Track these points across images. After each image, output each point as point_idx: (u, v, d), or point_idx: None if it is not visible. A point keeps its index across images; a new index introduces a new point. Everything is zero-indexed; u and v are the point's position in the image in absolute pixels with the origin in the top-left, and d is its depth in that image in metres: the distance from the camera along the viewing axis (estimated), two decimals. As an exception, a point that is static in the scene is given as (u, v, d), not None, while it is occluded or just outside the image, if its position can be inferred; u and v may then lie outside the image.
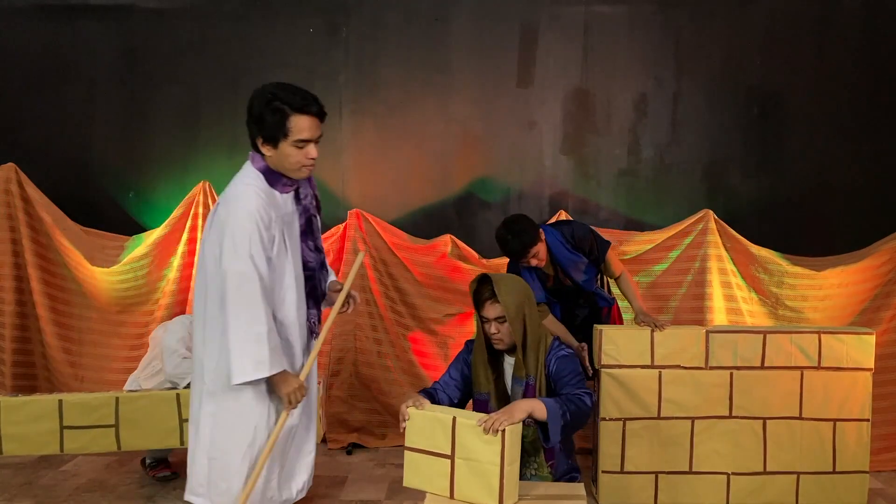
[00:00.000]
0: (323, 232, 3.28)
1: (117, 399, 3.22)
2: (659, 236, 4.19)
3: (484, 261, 4.25)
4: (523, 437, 2.48)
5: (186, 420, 3.16)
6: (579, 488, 2.51)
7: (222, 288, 2.46)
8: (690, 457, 3.37)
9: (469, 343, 2.86)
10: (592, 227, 3.68)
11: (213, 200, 4.26)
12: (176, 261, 4.24)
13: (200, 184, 4.29)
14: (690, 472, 3.37)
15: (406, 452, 2.46)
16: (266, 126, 2.49)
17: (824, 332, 3.38)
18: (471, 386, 2.79)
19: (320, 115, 2.54)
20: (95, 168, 4.48)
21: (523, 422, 2.41)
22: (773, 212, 4.39)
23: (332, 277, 2.92)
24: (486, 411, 2.65)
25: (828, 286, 4.05)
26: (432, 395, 2.73)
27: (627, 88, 4.43)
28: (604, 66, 4.43)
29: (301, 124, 2.49)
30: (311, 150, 2.53)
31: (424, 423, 2.41)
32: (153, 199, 4.48)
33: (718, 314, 4.10)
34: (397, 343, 4.23)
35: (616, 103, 4.44)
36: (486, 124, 4.46)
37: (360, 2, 4.42)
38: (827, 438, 3.36)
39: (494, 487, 2.29)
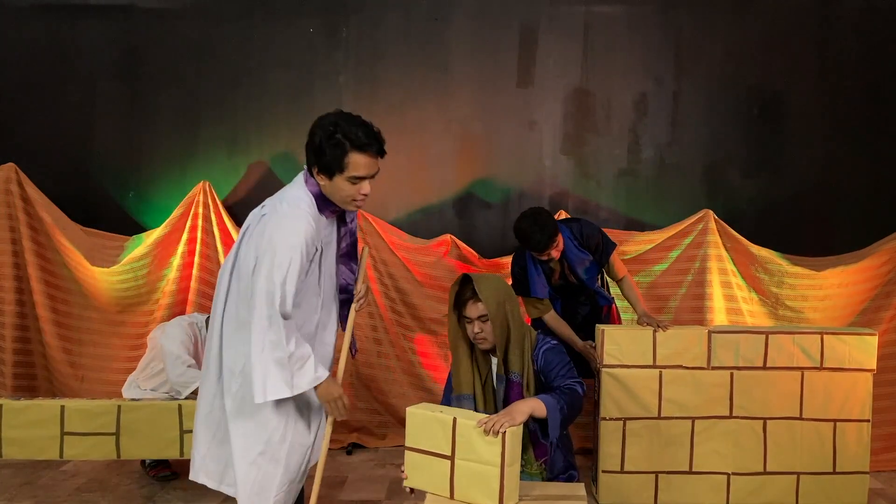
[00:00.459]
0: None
1: (119, 407, 3.22)
2: (659, 236, 4.19)
3: (484, 261, 4.25)
4: None
5: (188, 431, 3.17)
6: (579, 488, 2.51)
7: (251, 302, 2.46)
8: (690, 457, 3.37)
9: (450, 376, 2.85)
10: (601, 228, 3.71)
11: (214, 200, 4.26)
12: (176, 261, 4.24)
13: (200, 184, 4.29)
14: (690, 472, 3.37)
15: (406, 452, 2.45)
16: (324, 158, 2.46)
17: (827, 333, 3.38)
18: None
19: (380, 153, 2.52)
20: (95, 168, 4.48)
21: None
22: (773, 212, 4.39)
23: None
24: (472, 409, 2.64)
25: (828, 286, 4.06)
26: None
27: (627, 88, 4.43)
28: (604, 66, 4.42)
29: (359, 161, 2.46)
30: (365, 186, 2.52)
31: (425, 423, 2.40)
32: (153, 199, 4.47)
33: (718, 314, 4.10)
34: (397, 343, 4.23)
35: (616, 103, 4.44)
36: (486, 124, 4.46)
37: (360, 2, 4.42)
38: (827, 439, 3.37)
39: (494, 489, 2.29)
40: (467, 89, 4.44)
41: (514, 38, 4.41)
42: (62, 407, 3.20)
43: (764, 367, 3.35)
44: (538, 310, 3.60)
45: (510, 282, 3.59)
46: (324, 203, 2.55)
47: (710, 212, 4.18)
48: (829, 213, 4.40)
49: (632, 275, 3.85)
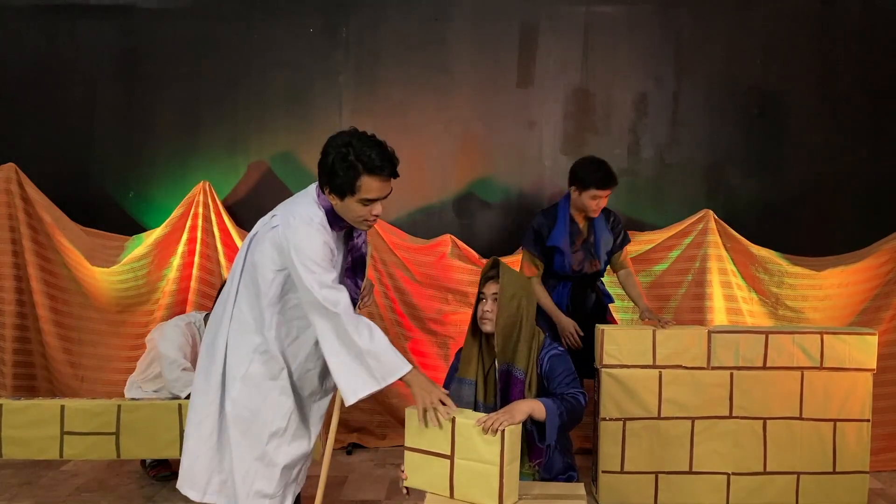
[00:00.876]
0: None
1: (119, 407, 3.22)
2: (659, 236, 4.19)
3: (484, 260, 4.25)
4: None
5: None
6: (579, 488, 2.51)
7: (312, 319, 2.46)
8: (690, 457, 3.37)
9: (460, 351, 2.85)
10: None
11: (214, 200, 4.26)
12: (176, 261, 4.24)
13: (200, 184, 4.29)
14: (690, 472, 3.37)
15: (406, 452, 2.45)
16: (336, 179, 2.43)
17: (827, 333, 3.38)
18: None
19: (393, 175, 2.49)
20: (95, 168, 4.48)
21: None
22: (773, 212, 4.39)
23: None
24: (472, 397, 2.65)
25: (828, 286, 4.06)
26: None
27: (627, 88, 4.43)
28: (604, 66, 4.42)
29: (371, 185, 2.43)
30: (377, 207, 2.50)
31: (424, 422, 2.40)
32: (153, 199, 4.47)
33: (718, 314, 4.10)
34: (397, 343, 4.20)
35: (616, 103, 4.44)
36: (486, 124, 4.46)
37: (360, 2, 4.42)
38: (827, 439, 3.36)
39: (494, 487, 2.29)
40: (467, 89, 4.44)
41: (514, 38, 4.41)
42: (62, 407, 3.20)
43: (764, 367, 3.35)
44: (533, 269, 3.65)
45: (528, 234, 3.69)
46: (335, 219, 2.54)
47: (710, 212, 4.18)
48: (829, 213, 4.40)
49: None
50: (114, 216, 4.44)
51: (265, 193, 4.42)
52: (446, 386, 2.80)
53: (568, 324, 3.56)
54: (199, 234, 4.25)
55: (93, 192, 4.46)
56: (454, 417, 2.36)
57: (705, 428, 3.36)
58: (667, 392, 3.35)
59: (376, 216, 2.52)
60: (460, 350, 2.82)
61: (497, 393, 2.67)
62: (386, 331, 4.17)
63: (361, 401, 4.01)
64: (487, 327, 2.69)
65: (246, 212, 4.38)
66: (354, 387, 2.43)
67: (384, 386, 2.43)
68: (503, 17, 4.41)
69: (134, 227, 4.41)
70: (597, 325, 3.45)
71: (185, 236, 4.25)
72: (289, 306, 2.54)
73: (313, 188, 2.58)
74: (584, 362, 3.49)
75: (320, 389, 2.73)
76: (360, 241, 2.70)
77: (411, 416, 2.43)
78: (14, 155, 4.27)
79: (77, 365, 4.22)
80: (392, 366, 2.44)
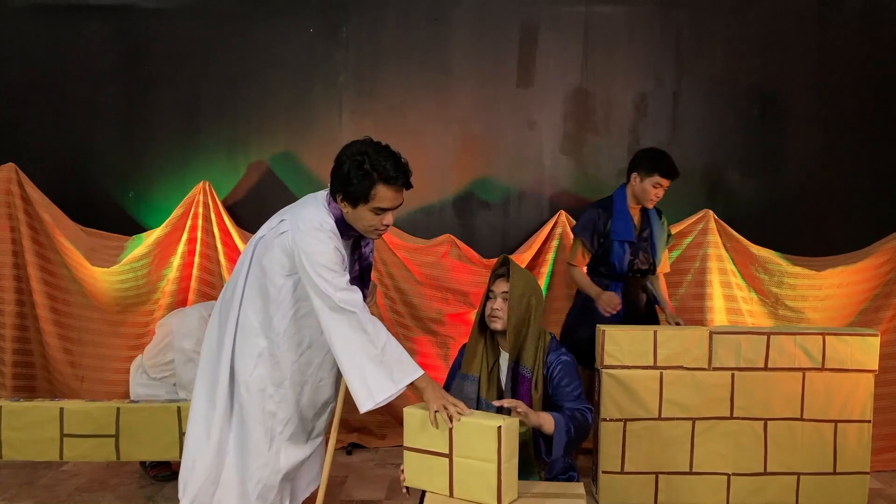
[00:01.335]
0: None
1: (118, 409, 3.22)
2: (659, 236, 4.19)
3: (484, 260, 4.25)
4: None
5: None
6: (579, 487, 2.51)
7: (325, 326, 2.45)
8: (691, 457, 3.37)
9: (464, 347, 2.85)
10: None
11: (214, 200, 4.26)
12: (176, 261, 4.24)
13: (200, 184, 4.29)
14: (691, 473, 3.37)
15: (405, 452, 2.45)
16: (351, 187, 2.44)
17: (828, 334, 3.37)
18: None
19: (406, 185, 2.51)
20: (95, 168, 4.47)
21: (522, 422, 2.42)
22: (773, 212, 4.39)
23: None
24: (475, 393, 2.65)
25: (828, 286, 4.06)
26: None
27: (627, 88, 4.43)
28: (604, 66, 4.42)
29: (385, 194, 2.45)
30: (388, 217, 2.52)
31: (423, 422, 2.40)
32: (153, 199, 4.47)
33: (718, 314, 4.11)
34: (398, 343, 4.22)
35: (616, 103, 4.44)
36: (486, 124, 4.46)
37: (360, 2, 4.41)
38: (828, 439, 3.36)
39: (493, 485, 2.29)
40: (467, 89, 4.44)
41: (514, 38, 4.41)
42: (61, 409, 3.20)
43: (765, 368, 3.35)
44: (583, 259, 3.72)
45: (583, 222, 3.75)
46: (344, 227, 2.55)
47: (710, 212, 4.18)
48: (829, 213, 4.40)
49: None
50: (114, 216, 4.44)
51: (265, 193, 4.43)
52: (448, 382, 2.80)
53: (611, 295, 3.56)
54: (199, 234, 4.25)
55: (93, 192, 4.46)
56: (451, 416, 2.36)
57: (706, 429, 3.36)
58: (667, 393, 3.34)
59: (387, 226, 2.54)
60: (463, 346, 2.82)
61: (501, 389, 2.67)
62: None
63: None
64: (497, 325, 2.69)
65: (246, 212, 4.38)
66: (371, 389, 2.39)
67: (400, 390, 2.41)
68: (503, 17, 4.40)
69: (134, 227, 4.41)
70: (597, 325, 3.44)
71: (185, 236, 4.25)
72: (300, 314, 2.53)
73: (322, 195, 2.58)
74: (585, 353, 3.47)
75: (333, 399, 2.73)
76: (367, 250, 2.71)
77: (410, 415, 2.43)
78: (14, 155, 4.26)
79: (77, 365, 4.22)
80: (409, 368, 2.43)
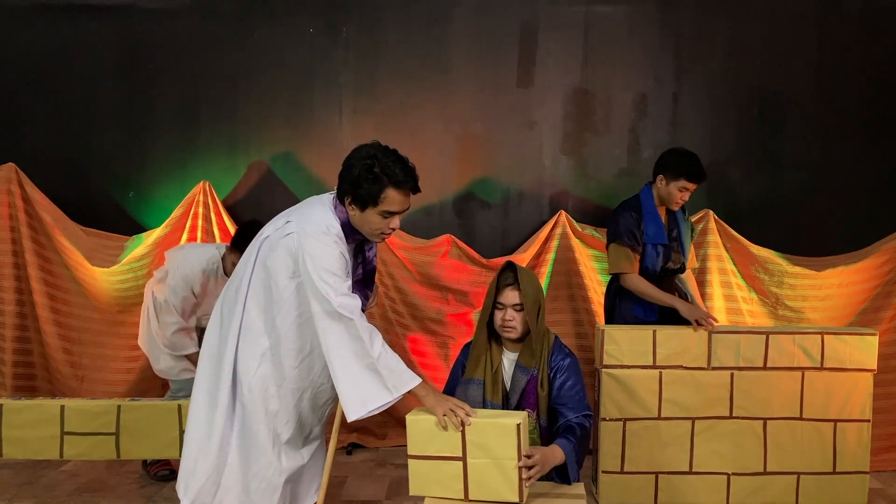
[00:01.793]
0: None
1: (119, 407, 3.22)
2: (659, 236, 4.18)
3: (484, 260, 4.25)
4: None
5: None
6: (579, 488, 2.51)
7: (321, 333, 2.44)
8: (690, 457, 3.37)
9: (466, 347, 2.85)
10: None
11: (214, 200, 4.27)
12: (176, 261, 4.24)
13: (200, 184, 4.29)
14: (690, 473, 3.37)
15: (410, 462, 2.39)
16: (360, 190, 2.45)
17: (827, 333, 3.38)
18: None
19: (415, 190, 2.54)
20: (95, 168, 4.47)
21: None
22: (773, 212, 4.39)
23: None
24: (480, 396, 2.65)
25: (828, 286, 4.06)
26: None
27: (627, 88, 4.43)
28: (604, 66, 4.42)
29: (394, 198, 2.47)
30: (395, 221, 2.53)
31: (429, 427, 2.35)
32: (153, 199, 4.47)
33: (718, 314, 4.10)
34: (397, 343, 4.22)
35: (616, 103, 4.44)
36: (486, 124, 4.46)
37: (360, 2, 4.41)
38: (827, 439, 3.36)
39: (514, 481, 2.28)
40: (467, 89, 4.44)
41: (514, 38, 4.41)
42: (62, 407, 3.20)
43: (764, 368, 3.35)
44: (632, 266, 3.52)
45: (616, 229, 3.58)
46: (350, 231, 2.55)
47: (711, 212, 4.18)
48: (829, 213, 4.40)
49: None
50: (114, 216, 4.44)
51: (265, 193, 4.43)
52: (451, 386, 2.80)
53: (698, 310, 3.42)
54: (199, 235, 4.25)
55: (93, 192, 4.46)
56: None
57: (705, 428, 3.36)
58: (667, 392, 3.35)
59: (393, 229, 2.55)
60: (467, 345, 2.82)
61: (506, 390, 2.68)
62: (386, 331, 4.20)
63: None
64: (512, 335, 2.69)
65: (246, 212, 4.37)
66: (364, 397, 2.37)
67: (396, 398, 2.39)
68: (503, 17, 4.40)
69: (134, 227, 4.42)
70: (597, 325, 3.44)
71: (185, 236, 4.25)
72: (303, 320, 2.53)
73: (328, 198, 2.58)
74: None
75: (332, 401, 2.73)
76: (370, 254, 2.71)
77: (413, 423, 2.38)
78: (14, 155, 4.27)
79: (77, 365, 4.22)
80: (406, 377, 2.42)
